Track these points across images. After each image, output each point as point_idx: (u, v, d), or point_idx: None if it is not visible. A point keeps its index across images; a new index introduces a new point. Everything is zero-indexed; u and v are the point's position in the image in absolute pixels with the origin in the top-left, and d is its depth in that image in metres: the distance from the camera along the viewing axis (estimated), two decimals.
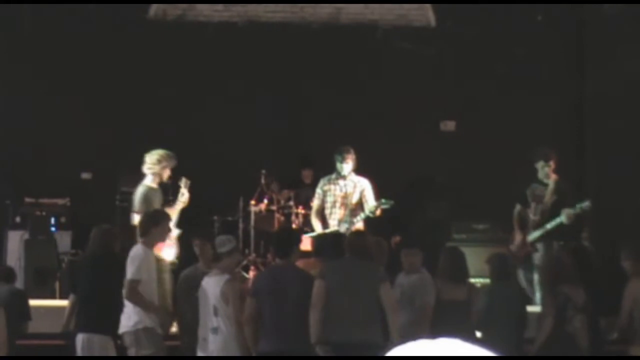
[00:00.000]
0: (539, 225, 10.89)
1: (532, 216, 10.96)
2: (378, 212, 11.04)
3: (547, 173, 11.00)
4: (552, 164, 11.02)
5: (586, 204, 10.74)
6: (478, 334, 8.63)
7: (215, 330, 8.33)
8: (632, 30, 13.24)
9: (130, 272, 8.49)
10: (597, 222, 12.59)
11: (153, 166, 10.55)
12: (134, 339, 8.46)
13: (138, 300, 8.50)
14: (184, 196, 10.62)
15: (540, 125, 13.98)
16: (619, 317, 8.60)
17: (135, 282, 8.48)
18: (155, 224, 8.73)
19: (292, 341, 8.00)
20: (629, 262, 8.79)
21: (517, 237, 10.94)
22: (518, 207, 11.07)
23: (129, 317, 8.48)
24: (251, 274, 11.92)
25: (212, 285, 8.43)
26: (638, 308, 8.49)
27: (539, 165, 11.04)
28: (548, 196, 10.94)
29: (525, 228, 10.94)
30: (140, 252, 8.57)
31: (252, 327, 8.18)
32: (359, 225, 11.03)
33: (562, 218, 10.72)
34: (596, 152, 13.82)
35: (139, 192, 10.46)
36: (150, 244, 8.67)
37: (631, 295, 8.52)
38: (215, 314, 8.35)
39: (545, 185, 11.03)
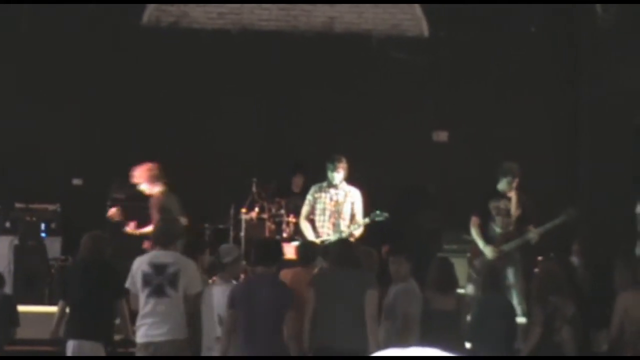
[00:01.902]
0: (509, 238, 10.87)
1: (500, 230, 10.93)
2: (357, 233, 11.02)
3: (510, 186, 10.99)
4: (517, 179, 11.01)
5: (570, 211, 10.78)
6: (467, 345, 8.62)
7: (219, 339, 8.31)
8: (627, 38, 13.27)
9: (200, 284, 8.42)
10: (589, 233, 12.61)
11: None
12: (183, 347, 8.37)
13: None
14: None
15: (534, 135, 14.01)
16: (609, 329, 8.60)
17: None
18: (180, 233, 8.66)
19: (267, 349, 7.98)
20: (620, 274, 8.79)
21: (486, 250, 10.85)
22: (475, 219, 10.98)
23: (181, 327, 8.40)
24: None
25: (217, 294, 8.38)
26: (629, 320, 8.48)
27: (507, 179, 10.98)
28: (514, 210, 10.95)
29: (492, 241, 10.91)
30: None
31: (229, 340, 8.16)
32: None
33: (531, 236, 10.76)
34: (590, 162, 13.83)
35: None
36: None
37: (622, 307, 8.51)
38: (220, 323, 8.31)
39: (507, 198, 11.01)
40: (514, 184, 10.96)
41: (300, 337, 8.18)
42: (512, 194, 10.97)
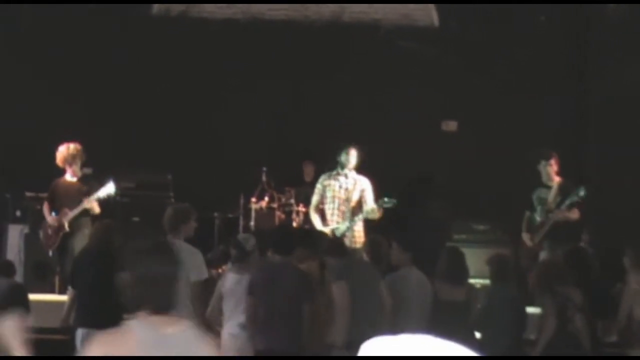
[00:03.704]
0: (544, 226, 10.98)
1: (538, 218, 11.04)
2: (378, 214, 11.02)
3: (549, 174, 11.07)
4: (553, 163, 11.08)
5: (581, 191, 10.82)
6: (477, 335, 8.61)
7: (244, 326, 8.35)
8: (636, 32, 13.24)
9: (200, 273, 8.37)
10: (597, 224, 12.59)
11: None
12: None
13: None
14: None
15: (543, 126, 13.98)
16: (617, 319, 8.58)
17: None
18: (185, 220, 8.60)
19: (284, 339, 8.00)
20: (629, 264, 8.77)
21: (527, 241, 11.03)
22: (528, 213, 11.17)
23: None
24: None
25: (246, 283, 8.39)
26: (638, 309, 8.46)
27: (541, 166, 11.11)
28: (552, 198, 11.00)
29: (532, 231, 11.02)
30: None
31: (254, 326, 8.18)
32: (359, 225, 11.04)
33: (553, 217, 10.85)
34: (598, 153, 13.81)
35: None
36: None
37: (630, 297, 8.49)
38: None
39: (548, 187, 11.08)
40: (549, 169, 11.05)
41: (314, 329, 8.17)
42: (554, 182, 11.06)
